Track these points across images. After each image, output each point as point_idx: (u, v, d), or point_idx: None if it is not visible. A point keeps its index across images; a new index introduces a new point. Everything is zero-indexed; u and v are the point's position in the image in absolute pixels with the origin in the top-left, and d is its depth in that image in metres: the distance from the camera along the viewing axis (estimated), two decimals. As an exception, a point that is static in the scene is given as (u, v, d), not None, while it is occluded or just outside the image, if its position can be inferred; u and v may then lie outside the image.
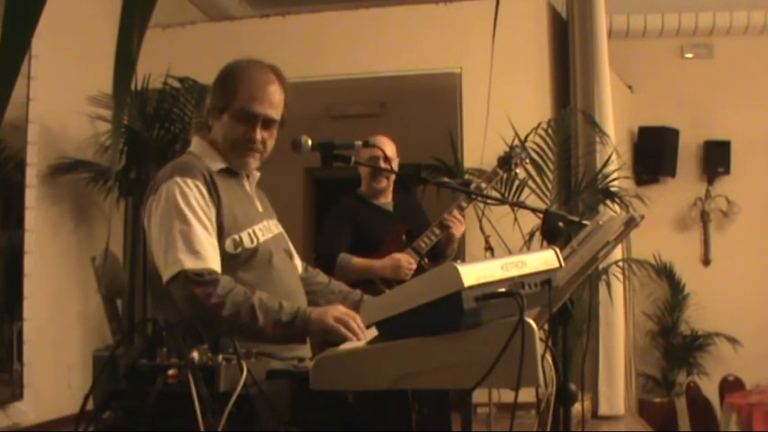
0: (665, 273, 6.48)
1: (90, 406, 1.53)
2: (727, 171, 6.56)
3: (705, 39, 6.66)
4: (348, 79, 5.79)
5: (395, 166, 3.45)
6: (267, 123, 2.06)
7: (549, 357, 1.74)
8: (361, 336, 1.80)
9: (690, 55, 6.73)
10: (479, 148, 4.59)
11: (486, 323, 1.41)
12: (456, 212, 3.40)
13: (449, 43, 5.56)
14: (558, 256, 1.57)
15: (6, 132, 4.31)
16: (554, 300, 1.57)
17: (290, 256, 2.22)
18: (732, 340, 6.25)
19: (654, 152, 6.53)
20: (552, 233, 2.15)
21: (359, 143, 2.84)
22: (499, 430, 4.14)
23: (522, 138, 4.88)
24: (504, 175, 3.74)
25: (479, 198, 3.42)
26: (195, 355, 1.53)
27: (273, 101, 2.05)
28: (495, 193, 4.56)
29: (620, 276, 5.18)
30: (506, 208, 4.20)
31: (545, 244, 2.18)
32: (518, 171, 3.62)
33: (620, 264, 5.16)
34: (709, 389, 6.15)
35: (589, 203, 5.08)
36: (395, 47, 5.64)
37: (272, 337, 1.85)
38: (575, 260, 1.68)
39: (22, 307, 4.33)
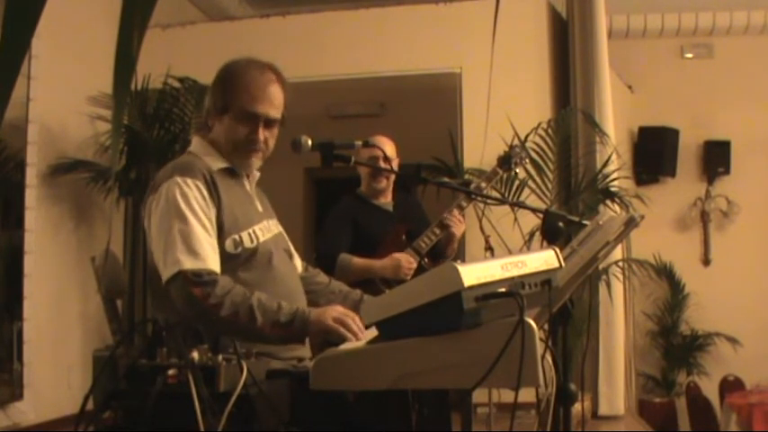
0: (665, 273, 6.48)
1: (90, 406, 1.53)
2: (727, 171, 6.56)
3: (705, 39, 6.66)
4: (348, 79, 5.79)
5: (395, 166, 3.45)
6: (269, 123, 2.07)
7: (549, 357, 1.74)
8: (361, 336, 1.80)
9: (690, 55, 6.73)
10: (479, 148, 4.59)
11: (486, 323, 1.41)
12: (456, 212, 3.40)
13: (449, 43, 5.56)
14: (558, 256, 1.57)
15: (6, 132, 4.31)
16: (554, 300, 1.57)
17: (290, 256, 2.23)
18: (732, 340, 6.25)
19: (654, 152, 6.53)
20: (552, 233, 2.15)
21: (359, 143, 2.84)
22: (499, 430, 4.14)
23: (522, 138, 4.89)
24: (504, 175, 3.74)
25: (479, 198, 3.42)
26: (195, 355, 1.53)
27: (274, 100, 2.06)
28: (494, 193, 4.56)
29: (620, 276, 5.18)
30: (506, 208, 4.21)
31: (545, 244, 2.19)
32: (518, 171, 3.62)
33: (620, 264, 5.16)
34: (709, 389, 6.15)
35: (589, 203, 5.08)
36: (395, 47, 5.64)
37: (270, 337, 1.85)
38: (575, 260, 1.68)
39: (22, 307, 4.33)
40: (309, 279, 2.26)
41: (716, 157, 6.56)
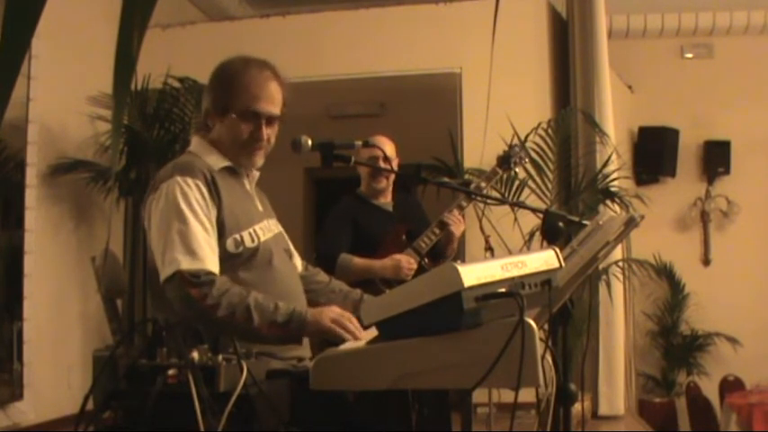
0: (665, 273, 6.48)
1: (90, 406, 1.53)
2: (727, 171, 6.56)
3: (705, 39, 6.66)
4: (348, 79, 5.79)
5: (395, 166, 3.45)
6: (270, 120, 2.08)
7: (549, 357, 1.74)
8: (359, 336, 1.80)
9: (690, 55, 6.73)
10: (479, 148, 4.59)
11: (486, 323, 1.41)
12: (456, 212, 3.40)
13: (449, 43, 5.56)
14: (558, 256, 1.57)
15: (6, 132, 4.31)
16: (554, 300, 1.57)
17: (290, 256, 2.23)
18: (732, 340, 6.25)
19: (654, 152, 6.53)
20: (552, 233, 2.15)
21: (359, 143, 2.84)
22: (499, 430, 4.14)
23: (522, 138, 4.89)
24: (504, 175, 3.74)
25: (479, 198, 3.42)
26: (195, 355, 1.53)
27: (275, 98, 2.07)
28: (494, 193, 4.56)
29: (620, 276, 5.18)
30: (506, 208, 4.21)
31: (545, 244, 2.19)
32: (517, 170, 3.61)
33: (620, 264, 5.16)
34: (710, 389, 6.15)
35: (589, 203, 5.08)
36: (395, 47, 5.64)
37: (267, 337, 1.85)
38: (575, 260, 1.68)
39: (22, 307, 4.33)
40: (309, 278, 2.26)
41: (716, 157, 6.56)
